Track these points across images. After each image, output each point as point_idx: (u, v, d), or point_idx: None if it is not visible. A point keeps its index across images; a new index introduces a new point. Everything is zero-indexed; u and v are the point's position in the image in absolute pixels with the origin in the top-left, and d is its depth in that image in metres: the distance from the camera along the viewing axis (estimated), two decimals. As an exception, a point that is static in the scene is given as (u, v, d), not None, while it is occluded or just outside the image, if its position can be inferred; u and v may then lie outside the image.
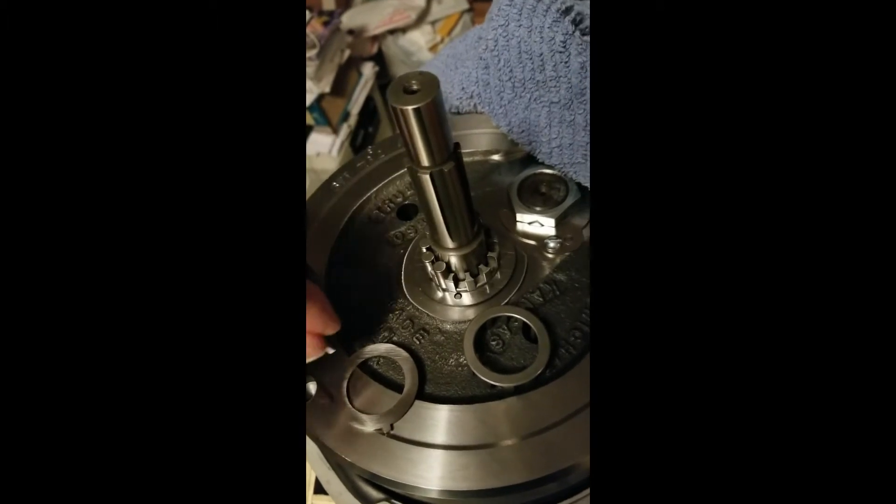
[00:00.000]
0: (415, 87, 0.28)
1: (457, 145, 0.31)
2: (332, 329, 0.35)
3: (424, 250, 0.39)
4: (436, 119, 0.28)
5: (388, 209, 0.47)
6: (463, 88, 0.46)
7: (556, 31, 0.39)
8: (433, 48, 1.97)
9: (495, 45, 0.42)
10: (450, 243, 0.36)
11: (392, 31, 2.00)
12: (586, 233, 0.42)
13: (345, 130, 1.79)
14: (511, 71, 0.42)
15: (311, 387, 0.37)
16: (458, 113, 0.51)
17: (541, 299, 0.39)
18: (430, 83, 0.27)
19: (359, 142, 1.86)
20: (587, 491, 0.40)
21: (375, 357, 0.38)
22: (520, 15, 0.40)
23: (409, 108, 0.27)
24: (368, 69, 1.92)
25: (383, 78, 2.05)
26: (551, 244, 0.41)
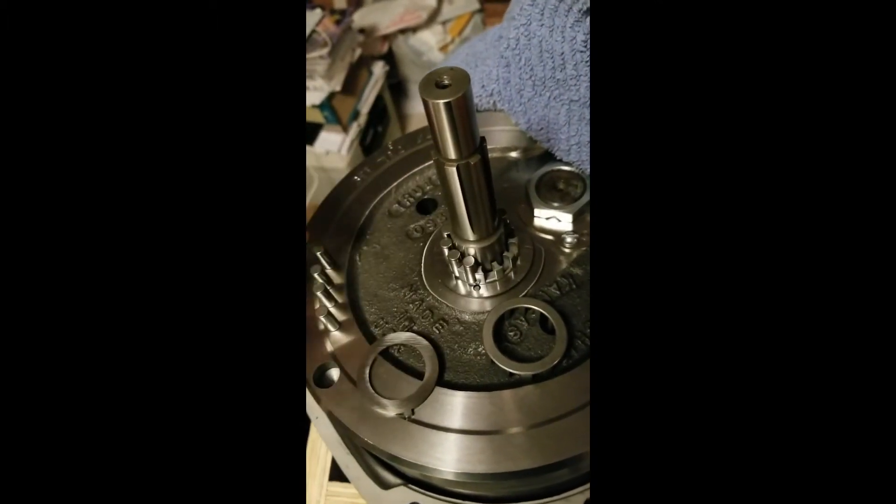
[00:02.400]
0: (446, 81, 0.29)
1: (482, 139, 0.33)
2: None
3: (445, 237, 0.40)
4: (465, 113, 0.29)
5: (408, 203, 0.49)
6: (483, 86, 0.47)
7: (578, 31, 0.40)
8: (443, 48, 1.99)
9: (517, 44, 0.43)
10: (471, 235, 0.37)
11: (403, 31, 2.01)
12: (602, 228, 0.43)
13: (354, 129, 1.80)
14: (532, 69, 0.43)
15: (334, 372, 0.38)
16: (478, 110, 0.52)
17: (557, 292, 0.40)
18: (462, 79, 0.28)
19: (368, 140, 1.87)
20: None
21: (396, 345, 0.39)
22: (542, 15, 0.41)
23: (441, 101, 0.28)
24: (379, 68, 1.93)
25: (393, 77, 2.06)
26: (568, 239, 0.42)
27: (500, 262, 0.40)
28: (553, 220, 0.43)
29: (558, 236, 0.43)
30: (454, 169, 0.32)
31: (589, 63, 0.39)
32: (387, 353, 0.38)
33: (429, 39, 1.99)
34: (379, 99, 1.92)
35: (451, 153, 0.31)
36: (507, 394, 0.36)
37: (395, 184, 0.49)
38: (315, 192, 1.72)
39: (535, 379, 0.36)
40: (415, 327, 0.40)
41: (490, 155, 0.50)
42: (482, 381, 0.37)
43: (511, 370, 0.35)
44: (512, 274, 0.41)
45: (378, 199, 0.48)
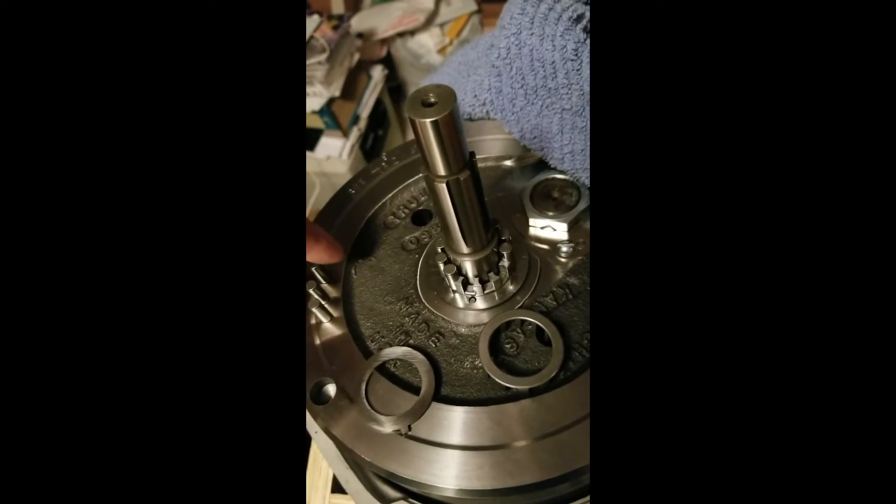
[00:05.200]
0: (432, 99, 0.28)
1: (472, 154, 0.32)
2: (337, 257, 0.41)
3: (440, 252, 0.39)
4: (452, 130, 0.29)
5: (403, 215, 0.48)
6: (475, 96, 0.47)
7: (568, 39, 0.40)
8: (442, 50, 1.98)
9: (507, 54, 0.43)
10: (465, 249, 0.37)
11: (401, 34, 2.01)
12: (598, 237, 0.42)
13: (355, 134, 1.80)
14: (523, 78, 0.43)
15: (331, 388, 0.38)
16: (471, 119, 0.52)
17: (554, 303, 0.40)
18: (448, 96, 0.28)
19: (369, 145, 1.87)
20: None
21: (392, 360, 0.39)
22: (532, 23, 0.41)
23: (427, 120, 0.28)
24: (378, 72, 1.93)
25: (392, 81, 2.06)
26: (564, 248, 0.42)
27: (497, 273, 0.40)
28: (548, 229, 0.43)
29: (554, 245, 0.42)
30: (444, 185, 0.32)
31: (580, 71, 0.39)
32: (383, 369, 0.38)
33: (427, 42, 1.99)
34: (378, 103, 1.92)
35: (441, 170, 0.31)
36: (504, 408, 0.35)
37: (389, 195, 0.49)
38: (317, 198, 1.72)
39: (532, 392, 0.35)
40: (411, 341, 0.40)
41: (484, 164, 0.50)
42: (479, 396, 0.37)
43: (507, 384, 0.35)
44: (509, 285, 0.41)
45: (373, 211, 0.48)
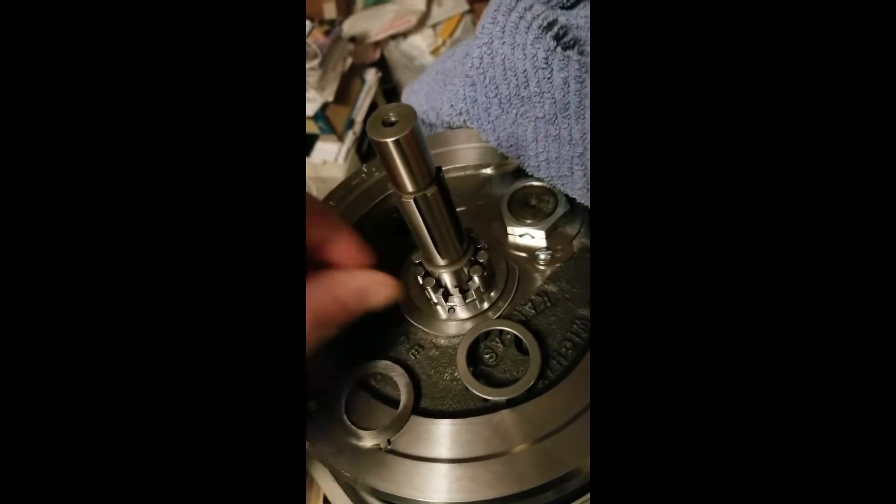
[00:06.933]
0: (393, 118, 0.29)
1: (439, 169, 0.32)
2: (369, 258, 0.36)
3: (417, 265, 0.40)
4: (415, 148, 0.29)
5: (385, 224, 0.49)
6: (452, 105, 0.47)
7: (539, 48, 0.39)
8: (435, 51, 1.98)
9: (480, 63, 0.43)
10: (440, 261, 0.37)
11: (394, 37, 2.00)
12: (576, 244, 0.42)
13: (350, 138, 1.81)
14: (497, 87, 0.43)
15: (311, 404, 0.38)
16: (451, 128, 0.52)
17: (532, 311, 0.40)
18: (408, 114, 0.28)
19: (364, 148, 1.87)
20: (585, 497, 0.40)
21: (372, 373, 0.39)
22: (503, 33, 0.41)
23: (389, 140, 0.28)
24: (371, 75, 1.93)
25: (387, 83, 2.06)
26: (542, 256, 0.42)
27: (474, 282, 0.40)
28: (527, 236, 0.43)
29: (532, 253, 0.43)
30: (412, 202, 0.32)
31: (551, 80, 0.39)
32: (362, 383, 0.39)
33: (420, 44, 1.99)
34: (373, 106, 1.92)
35: (408, 187, 0.31)
36: (484, 419, 0.35)
37: (370, 206, 0.49)
38: (314, 204, 1.73)
39: (511, 403, 0.36)
40: (390, 354, 0.40)
41: (463, 173, 0.50)
42: (459, 407, 0.37)
43: (484, 395, 0.35)
44: (489, 294, 0.41)
45: (354, 222, 0.48)
